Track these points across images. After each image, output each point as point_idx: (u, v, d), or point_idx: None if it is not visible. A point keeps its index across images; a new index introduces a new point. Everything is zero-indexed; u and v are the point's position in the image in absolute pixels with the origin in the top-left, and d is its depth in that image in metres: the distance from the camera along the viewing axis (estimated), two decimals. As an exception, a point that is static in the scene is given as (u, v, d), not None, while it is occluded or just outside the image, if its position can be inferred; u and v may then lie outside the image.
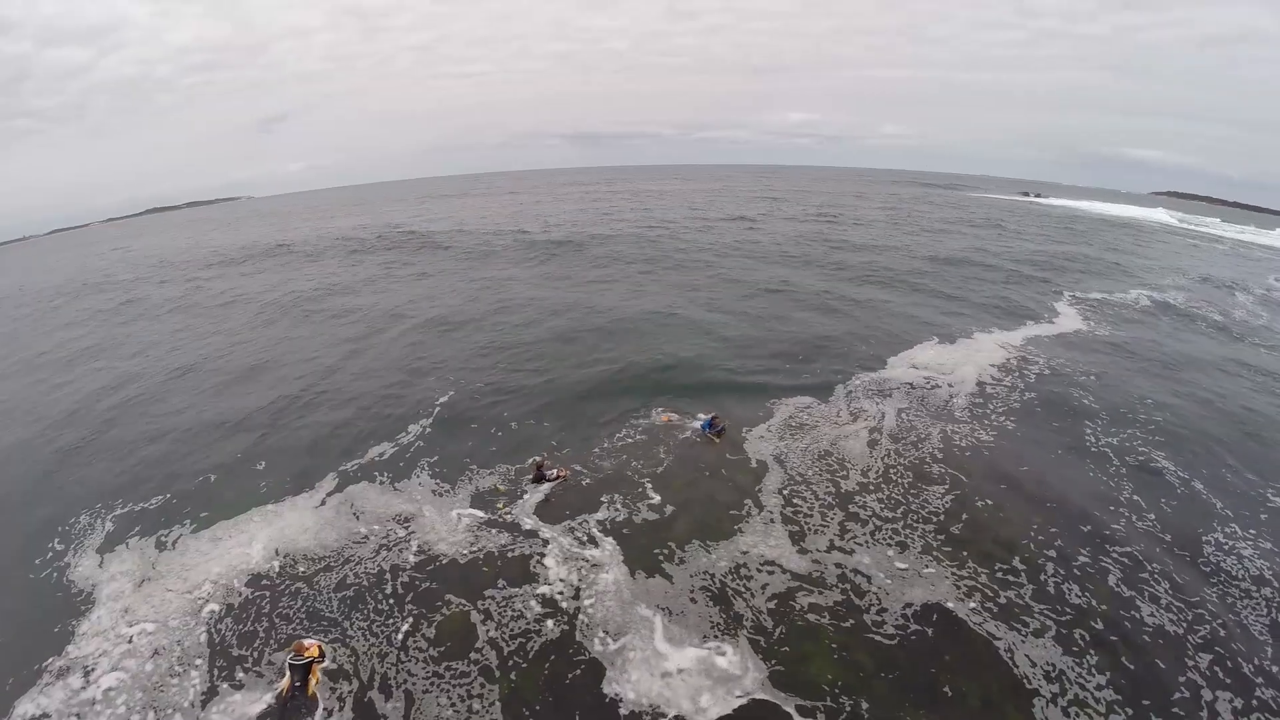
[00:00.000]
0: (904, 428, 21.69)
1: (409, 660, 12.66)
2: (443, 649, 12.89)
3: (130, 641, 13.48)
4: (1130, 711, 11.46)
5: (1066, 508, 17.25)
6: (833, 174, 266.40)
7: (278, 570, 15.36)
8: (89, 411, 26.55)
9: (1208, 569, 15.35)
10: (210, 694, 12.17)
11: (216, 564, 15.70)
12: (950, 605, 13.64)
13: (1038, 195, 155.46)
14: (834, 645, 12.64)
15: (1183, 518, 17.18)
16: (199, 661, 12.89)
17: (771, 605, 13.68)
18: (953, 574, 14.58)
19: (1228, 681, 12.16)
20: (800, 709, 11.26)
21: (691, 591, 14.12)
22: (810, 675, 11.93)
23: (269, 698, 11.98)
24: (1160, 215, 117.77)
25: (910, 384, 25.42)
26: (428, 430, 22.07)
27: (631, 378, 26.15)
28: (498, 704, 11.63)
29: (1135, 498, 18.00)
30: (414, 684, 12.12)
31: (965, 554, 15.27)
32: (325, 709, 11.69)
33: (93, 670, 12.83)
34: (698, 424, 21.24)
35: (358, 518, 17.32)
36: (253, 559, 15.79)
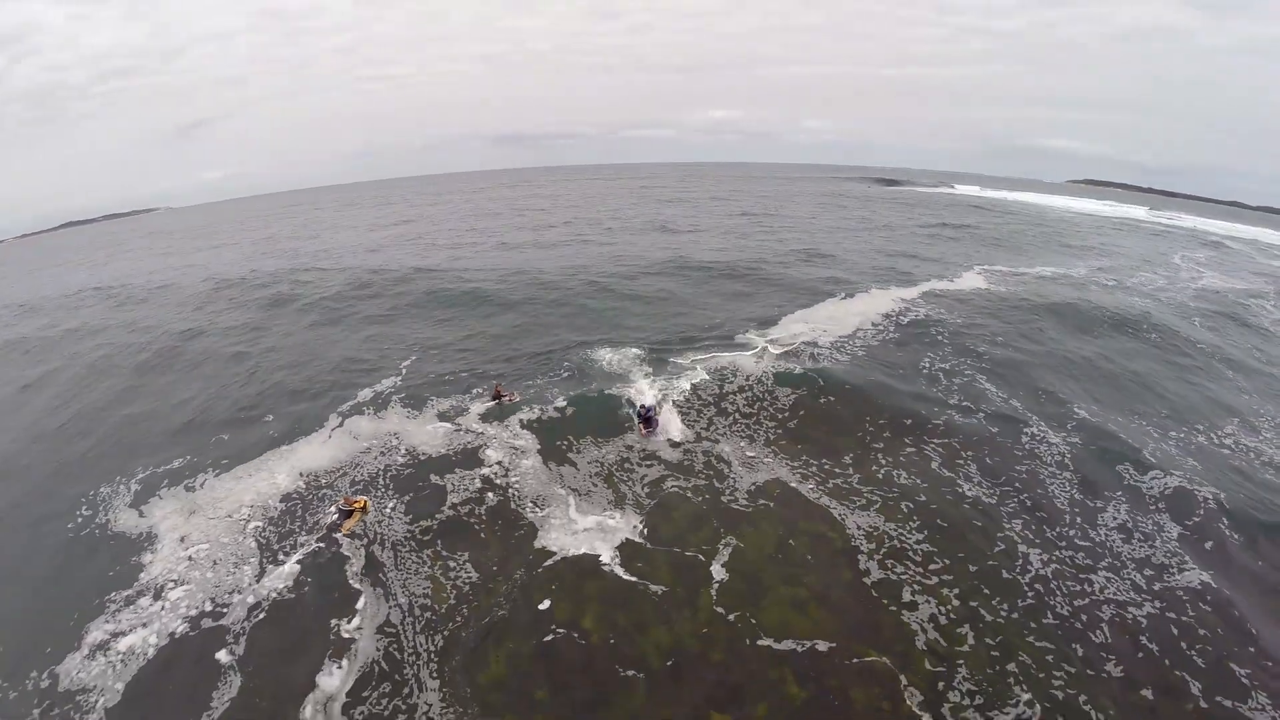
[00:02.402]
0: (788, 352, 29.04)
1: (398, 525, 18.98)
2: (424, 518, 19.23)
3: (190, 560, 18.39)
4: (947, 561, 16.88)
5: (899, 410, 24.13)
6: (760, 170, 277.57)
7: (304, 486, 21.26)
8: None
9: (1020, 454, 21.96)
10: (261, 574, 17.71)
11: (248, 493, 21.26)
12: (794, 484, 20.07)
13: (982, 189, 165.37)
14: (695, 510, 19.11)
15: (999, 422, 23.95)
16: (251, 559, 18.33)
17: (648, 488, 20.29)
18: (790, 461, 21.44)
19: (1036, 541, 18.00)
20: (668, 554, 17.43)
21: (590, 477, 20.86)
22: (675, 530, 18.28)
23: (309, 548, 18.22)
24: (1090, 205, 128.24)
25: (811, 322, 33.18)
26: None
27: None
28: (464, 554, 17.76)
29: (962, 403, 25.13)
30: (401, 543, 18.31)
31: (801, 446, 22.25)
32: (347, 553, 17.98)
33: (162, 589, 17.36)
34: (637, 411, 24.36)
35: (357, 439, 23.64)
36: (280, 483, 21.49)
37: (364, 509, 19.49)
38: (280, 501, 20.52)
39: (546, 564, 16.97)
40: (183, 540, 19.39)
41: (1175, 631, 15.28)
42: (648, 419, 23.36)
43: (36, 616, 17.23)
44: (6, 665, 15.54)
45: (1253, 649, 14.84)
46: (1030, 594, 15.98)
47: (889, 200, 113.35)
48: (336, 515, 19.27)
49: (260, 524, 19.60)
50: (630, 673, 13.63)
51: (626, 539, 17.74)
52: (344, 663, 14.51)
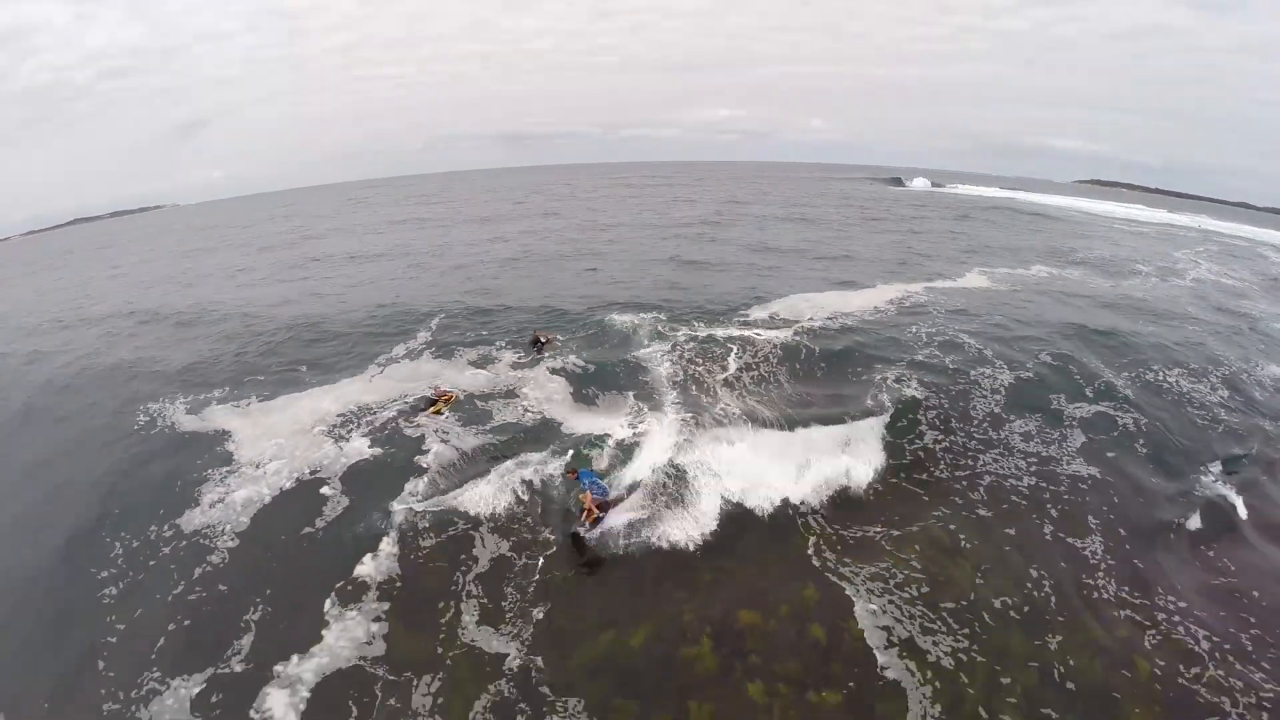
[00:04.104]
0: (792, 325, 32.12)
1: (451, 434, 22.32)
2: (472, 430, 22.51)
3: (275, 445, 21.76)
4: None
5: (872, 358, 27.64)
6: (765, 169, 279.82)
7: (352, 410, 24.50)
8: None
9: (962, 381, 25.65)
10: (345, 445, 21.44)
11: (300, 412, 24.53)
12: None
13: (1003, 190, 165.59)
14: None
15: (959, 357, 27.68)
16: (330, 442, 21.89)
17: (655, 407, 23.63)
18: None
19: (940, 427, 22.31)
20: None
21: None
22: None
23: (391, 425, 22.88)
24: (1100, 205, 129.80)
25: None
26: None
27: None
28: (505, 456, 20.81)
29: (934, 351, 28.52)
30: (459, 448, 21.44)
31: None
32: (428, 438, 21.74)
33: (259, 463, 20.70)
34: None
35: (399, 379, 27.12)
36: (326, 409, 24.64)
37: (450, 401, 23.64)
38: (336, 416, 23.86)
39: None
40: (258, 435, 22.81)
41: (1046, 497, 19.47)
42: (601, 507, 17.59)
43: (142, 492, 20.52)
44: (125, 527, 18.77)
45: (1111, 513, 19.02)
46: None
47: (894, 200, 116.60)
48: (425, 401, 23.58)
49: (324, 428, 23.00)
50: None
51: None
52: (424, 477, 19.52)
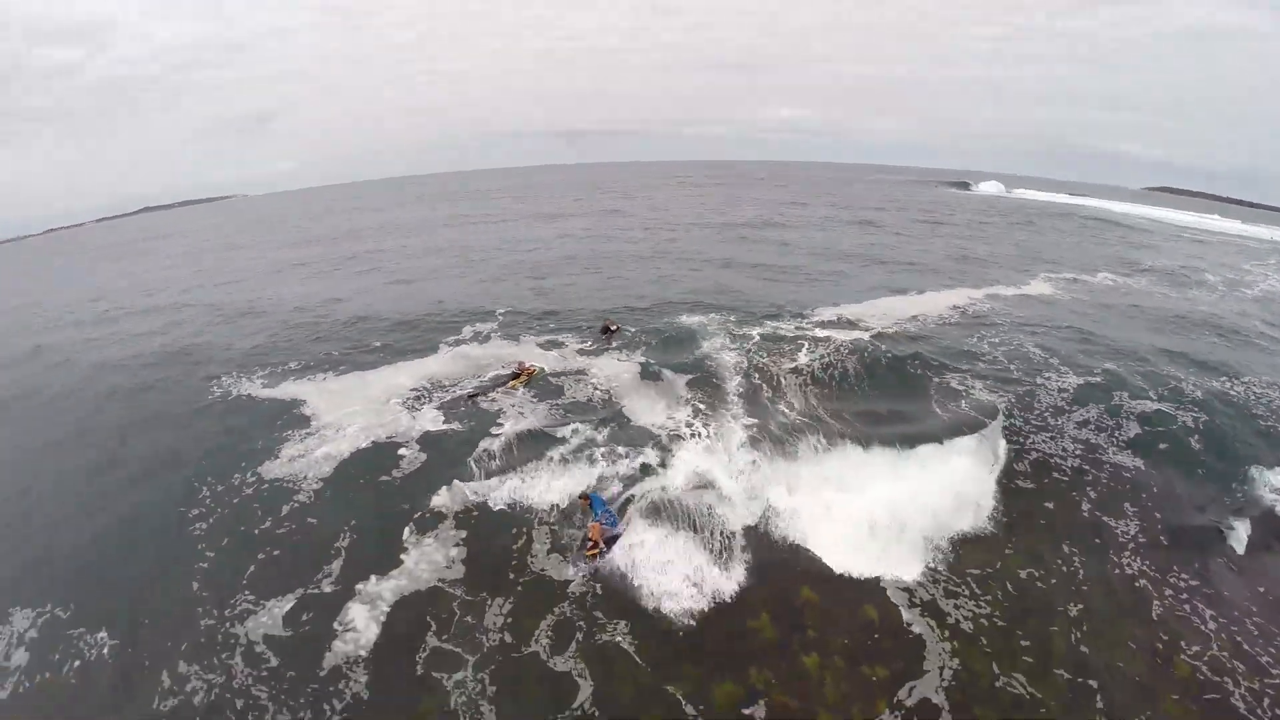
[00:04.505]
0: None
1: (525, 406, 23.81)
2: (545, 404, 23.88)
3: (353, 411, 23.67)
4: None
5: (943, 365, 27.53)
6: (830, 170, 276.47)
7: (427, 385, 26.01)
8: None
9: (1031, 380, 25.99)
10: (412, 423, 22.68)
11: (375, 387, 26.17)
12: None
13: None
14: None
15: (1025, 365, 27.53)
16: (409, 409, 23.69)
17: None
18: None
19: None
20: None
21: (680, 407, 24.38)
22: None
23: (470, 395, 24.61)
24: (1172, 214, 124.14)
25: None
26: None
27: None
28: (573, 426, 21.96)
29: (1000, 358, 28.46)
30: (532, 416, 22.86)
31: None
32: (503, 409, 23.35)
33: (340, 426, 22.63)
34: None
35: (469, 359, 28.68)
36: (403, 383, 26.24)
37: (531, 375, 25.26)
38: (409, 390, 25.45)
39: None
40: (334, 405, 24.57)
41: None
42: (608, 540, 16.53)
43: (224, 448, 22.40)
44: (211, 474, 20.70)
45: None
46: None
47: (959, 204, 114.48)
48: (507, 375, 25.30)
49: (400, 399, 24.68)
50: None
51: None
52: (498, 439, 21.06)
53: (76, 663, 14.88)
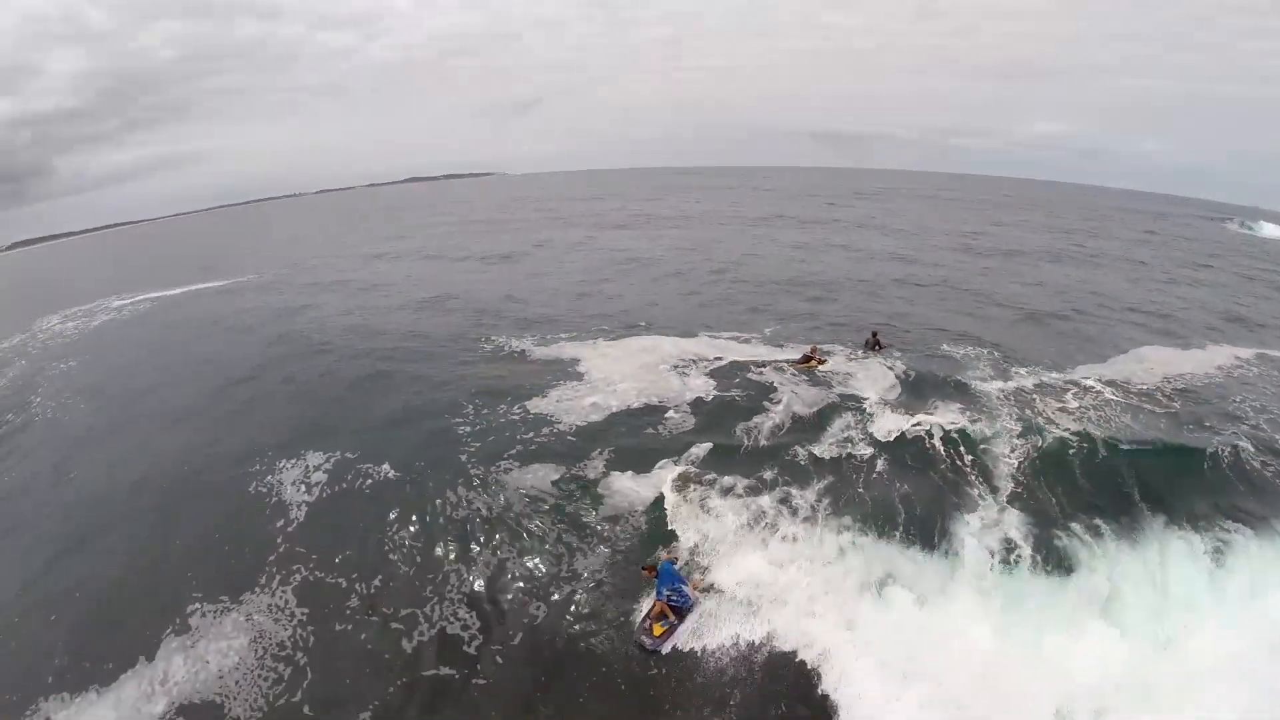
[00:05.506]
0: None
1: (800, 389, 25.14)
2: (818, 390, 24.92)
3: (623, 373, 26.51)
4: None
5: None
6: (1095, 194, 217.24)
7: (702, 357, 28.64)
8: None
9: None
10: (683, 390, 25.07)
11: (645, 353, 29.32)
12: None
13: None
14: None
15: None
16: (679, 377, 26.24)
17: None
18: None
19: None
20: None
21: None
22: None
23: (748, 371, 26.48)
24: None
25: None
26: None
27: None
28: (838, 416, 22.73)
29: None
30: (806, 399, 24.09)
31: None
32: (779, 388, 24.96)
33: (612, 382, 25.73)
34: None
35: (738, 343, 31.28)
36: (670, 351, 29.31)
37: (821, 363, 26.49)
38: (679, 358, 27.98)
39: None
40: (606, 365, 27.58)
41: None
42: (676, 610, 14.39)
43: (495, 388, 26.13)
44: (478, 401, 24.78)
45: None
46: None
47: (1235, 245, 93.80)
48: (801, 357, 26.76)
49: (666, 365, 27.27)
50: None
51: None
52: (769, 416, 22.94)
53: (368, 481, 19.87)
